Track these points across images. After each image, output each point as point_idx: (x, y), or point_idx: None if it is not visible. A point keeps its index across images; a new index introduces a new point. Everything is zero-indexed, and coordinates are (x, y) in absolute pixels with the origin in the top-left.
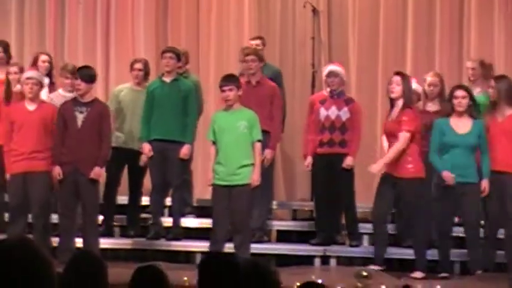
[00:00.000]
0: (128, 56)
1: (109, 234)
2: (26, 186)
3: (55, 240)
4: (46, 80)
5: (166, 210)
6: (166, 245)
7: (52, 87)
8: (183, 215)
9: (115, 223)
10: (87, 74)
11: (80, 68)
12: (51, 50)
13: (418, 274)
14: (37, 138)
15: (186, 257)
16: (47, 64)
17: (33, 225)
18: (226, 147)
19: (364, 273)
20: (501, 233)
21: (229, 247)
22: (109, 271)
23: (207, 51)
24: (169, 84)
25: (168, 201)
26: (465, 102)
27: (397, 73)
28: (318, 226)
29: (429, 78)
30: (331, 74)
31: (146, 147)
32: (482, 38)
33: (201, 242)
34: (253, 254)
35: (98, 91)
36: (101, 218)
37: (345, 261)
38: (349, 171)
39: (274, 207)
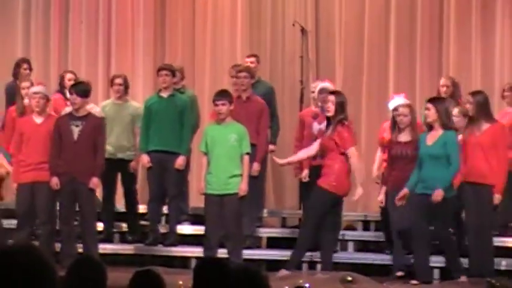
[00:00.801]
0: (128, 71)
1: (109, 240)
2: (33, 195)
3: (58, 246)
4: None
5: (163, 218)
6: (163, 251)
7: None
8: (179, 223)
9: (114, 230)
10: (82, 89)
11: (75, 84)
12: (56, 64)
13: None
14: (44, 150)
15: (182, 261)
16: (72, 82)
17: (39, 231)
18: (218, 159)
19: (349, 278)
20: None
21: (222, 252)
22: (109, 275)
23: (202, 67)
24: (166, 100)
25: (165, 209)
26: (430, 113)
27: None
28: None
29: (401, 109)
30: (323, 90)
31: (145, 159)
32: (460, 54)
33: (196, 248)
34: (245, 260)
35: (99, 104)
36: (101, 225)
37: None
38: None
39: (265, 215)
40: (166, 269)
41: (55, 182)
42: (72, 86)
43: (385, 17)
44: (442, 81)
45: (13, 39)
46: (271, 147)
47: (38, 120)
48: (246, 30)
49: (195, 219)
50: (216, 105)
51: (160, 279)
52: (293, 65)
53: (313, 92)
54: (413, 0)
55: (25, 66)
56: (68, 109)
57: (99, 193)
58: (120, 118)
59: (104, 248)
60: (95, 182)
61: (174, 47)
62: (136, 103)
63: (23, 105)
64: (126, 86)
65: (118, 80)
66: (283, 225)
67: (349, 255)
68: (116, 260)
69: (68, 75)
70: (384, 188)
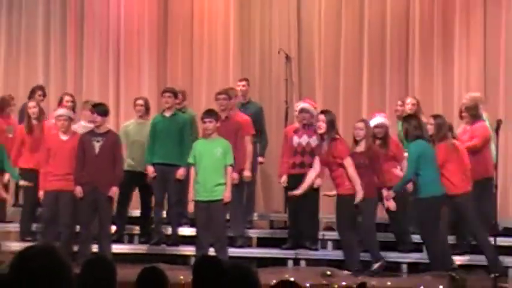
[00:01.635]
0: (134, 94)
1: (120, 241)
2: (57, 201)
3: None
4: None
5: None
6: (166, 250)
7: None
8: (180, 225)
9: (125, 232)
10: (102, 110)
11: (96, 105)
12: (72, 87)
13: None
14: (68, 163)
15: (183, 259)
16: (70, 104)
17: (61, 233)
18: (205, 169)
19: (328, 273)
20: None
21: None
22: (119, 271)
23: (199, 89)
24: (169, 118)
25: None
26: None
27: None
28: (289, 234)
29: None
30: (302, 110)
31: (150, 169)
32: (424, 76)
33: (195, 248)
34: (238, 258)
35: (110, 122)
36: (114, 228)
37: (313, 263)
38: (316, 189)
39: (255, 218)
40: (169, 266)
41: (79, 190)
42: (94, 106)
43: (358, 46)
44: (409, 100)
45: (35, 64)
46: (260, 159)
47: (64, 137)
48: (237, 57)
49: (194, 222)
50: (204, 122)
51: (164, 275)
52: (279, 87)
53: (296, 111)
54: (383, 30)
55: (39, 92)
56: (78, 127)
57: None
58: (141, 136)
59: (116, 248)
60: (114, 191)
61: (175, 71)
62: None
63: (30, 123)
64: (146, 107)
65: (140, 102)
66: (271, 227)
67: (329, 253)
68: (125, 258)
69: (66, 97)
70: None
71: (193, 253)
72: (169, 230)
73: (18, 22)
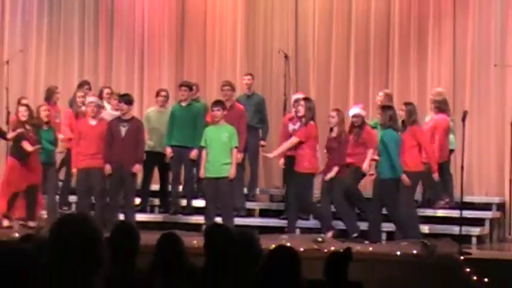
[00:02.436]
0: (156, 86)
1: (143, 211)
2: (88, 177)
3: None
4: (107, 104)
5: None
6: (182, 219)
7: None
8: (195, 198)
9: (148, 204)
10: (127, 99)
11: (122, 95)
12: (102, 80)
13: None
14: (97, 145)
15: (195, 227)
16: (108, 95)
17: (95, 204)
18: (214, 151)
19: (319, 239)
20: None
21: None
22: (142, 236)
23: (211, 83)
24: (185, 108)
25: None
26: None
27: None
28: (286, 206)
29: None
30: (297, 100)
31: (168, 150)
32: (401, 75)
33: (204, 217)
34: (243, 226)
35: (135, 110)
36: (138, 200)
37: (306, 231)
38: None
39: (257, 192)
40: (184, 232)
41: (108, 168)
42: (120, 96)
43: (346, 47)
44: (381, 93)
45: (72, 61)
46: (262, 142)
47: (93, 122)
48: (243, 55)
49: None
50: (213, 111)
51: (180, 239)
52: (278, 82)
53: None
54: (367, 34)
55: (87, 86)
56: (105, 114)
57: (139, 176)
58: (162, 121)
59: (139, 217)
60: (138, 168)
61: (190, 67)
62: None
63: (77, 109)
64: (167, 97)
65: (163, 93)
66: (271, 200)
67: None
68: (147, 226)
69: (106, 90)
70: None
71: (204, 222)
72: (184, 202)
73: (58, 25)
